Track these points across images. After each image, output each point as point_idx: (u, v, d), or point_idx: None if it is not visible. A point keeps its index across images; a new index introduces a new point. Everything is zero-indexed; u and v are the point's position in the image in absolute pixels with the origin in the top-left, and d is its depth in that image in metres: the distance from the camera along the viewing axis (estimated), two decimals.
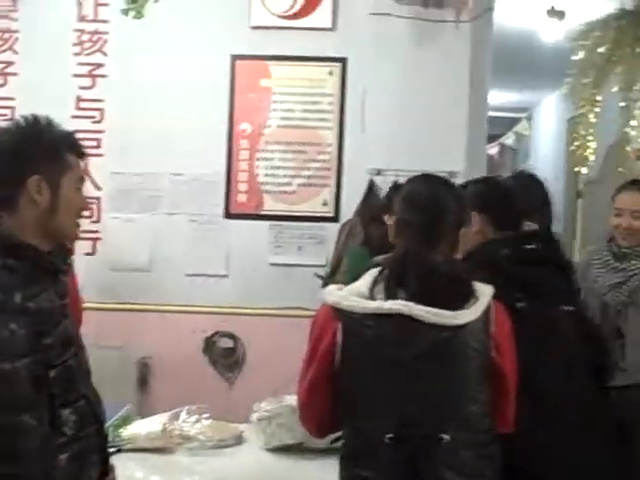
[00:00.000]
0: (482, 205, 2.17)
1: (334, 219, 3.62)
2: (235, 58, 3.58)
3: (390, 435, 1.73)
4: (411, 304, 1.72)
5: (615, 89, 3.81)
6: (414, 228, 1.83)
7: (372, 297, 1.77)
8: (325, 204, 3.66)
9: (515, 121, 10.45)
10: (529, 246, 2.19)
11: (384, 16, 3.46)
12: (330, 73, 3.58)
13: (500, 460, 1.82)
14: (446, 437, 1.72)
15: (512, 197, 2.27)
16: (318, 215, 3.65)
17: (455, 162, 3.53)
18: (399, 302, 1.73)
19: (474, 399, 1.77)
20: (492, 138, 11.10)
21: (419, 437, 1.73)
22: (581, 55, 3.85)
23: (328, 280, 3.25)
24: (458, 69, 3.51)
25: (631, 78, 3.77)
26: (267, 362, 3.49)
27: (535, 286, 2.11)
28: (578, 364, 2.14)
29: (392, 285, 1.77)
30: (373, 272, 1.82)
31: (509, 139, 10.57)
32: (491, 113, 10.36)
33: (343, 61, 3.57)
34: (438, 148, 3.55)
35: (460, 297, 1.77)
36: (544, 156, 9.20)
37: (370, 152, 3.58)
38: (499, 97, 9.56)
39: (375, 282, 1.79)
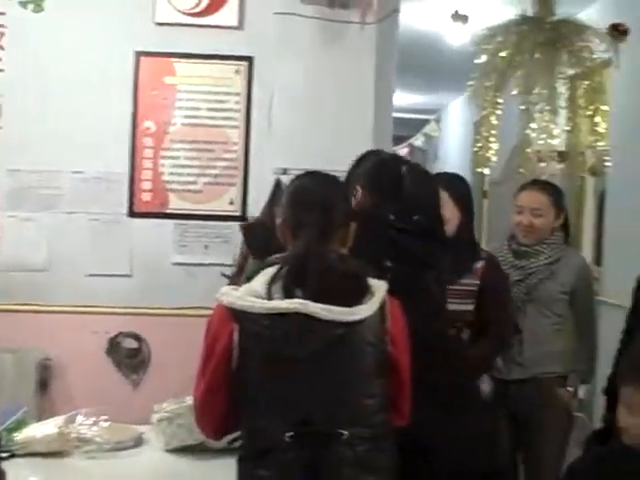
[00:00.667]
0: (372, 186, 2.17)
1: (241, 218, 3.60)
2: (139, 54, 3.51)
3: (290, 434, 1.73)
4: (308, 302, 1.73)
5: (515, 92, 3.93)
6: (308, 226, 1.84)
7: (269, 296, 1.77)
8: (232, 203, 3.63)
9: (424, 123, 10.67)
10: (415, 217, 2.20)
11: (290, 15, 3.46)
12: (236, 72, 3.56)
13: (396, 452, 1.85)
14: (345, 433, 1.73)
15: (402, 185, 2.23)
16: (224, 214, 3.62)
17: None
18: (295, 301, 1.74)
19: (370, 394, 1.80)
20: (402, 139, 11.31)
21: (318, 434, 1.74)
22: (484, 59, 3.96)
23: (234, 280, 3.23)
24: (364, 70, 3.54)
25: (531, 82, 3.89)
26: (172, 363, 3.44)
27: (408, 253, 2.11)
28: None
29: (290, 284, 1.78)
30: (268, 271, 1.82)
31: (418, 140, 10.79)
32: (401, 115, 10.61)
33: (250, 60, 3.55)
34: (344, 148, 3.54)
35: (356, 293, 1.79)
36: (452, 157, 9.41)
37: (277, 151, 3.57)
38: (408, 99, 9.74)
39: (272, 281, 1.79)
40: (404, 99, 9.67)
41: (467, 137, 7.73)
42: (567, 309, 3.10)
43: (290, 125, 3.55)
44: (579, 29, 3.86)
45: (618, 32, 3.87)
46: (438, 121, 10.54)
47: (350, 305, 1.76)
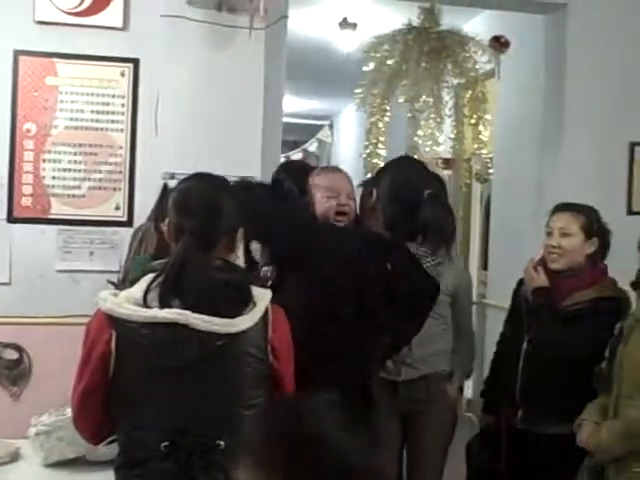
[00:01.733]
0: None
1: (127, 223, 3.52)
2: (18, 54, 3.38)
3: (165, 443, 1.70)
4: (187, 312, 1.70)
5: (402, 100, 4.01)
6: (189, 233, 1.81)
7: (145, 304, 1.73)
8: (117, 208, 3.55)
9: (319, 128, 10.74)
10: None
11: (177, 18, 3.41)
12: (122, 74, 3.48)
13: None
14: (221, 443, 1.71)
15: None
16: (110, 219, 3.53)
17: (250, 167, 3.55)
18: (175, 311, 1.71)
19: (250, 405, 1.78)
20: (297, 145, 11.36)
21: (195, 444, 1.71)
22: (371, 66, 4.02)
23: (121, 286, 3.15)
24: (252, 75, 3.52)
25: (417, 91, 3.99)
26: (55, 374, 3.30)
27: None
28: None
29: (166, 292, 1.75)
30: (147, 278, 1.78)
31: (312, 146, 10.85)
32: (296, 120, 10.63)
33: (135, 62, 3.48)
34: (233, 153, 3.54)
35: (237, 303, 1.77)
36: (344, 163, 9.50)
37: (164, 156, 3.50)
38: (303, 105, 9.80)
39: (148, 289, 1.76)
40: (299, 105, 9.72)
41: (359, 143, 7.84)
42: (449, 310, 3.19)
43: (177, 129, 3.49)
44: (463, 40, 3.98)
45: (499, 44, 4.01)
46: (331, 127, 10.64)
47: (231, 315, 1.74)
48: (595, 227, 2.86)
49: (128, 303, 1.74)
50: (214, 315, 1.72)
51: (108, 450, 2.21)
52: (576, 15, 4.03)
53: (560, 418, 2.74)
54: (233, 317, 1.74)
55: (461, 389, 3.20)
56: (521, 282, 3.06)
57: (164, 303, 1.73)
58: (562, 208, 2.94)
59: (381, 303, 2.10)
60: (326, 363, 2.12)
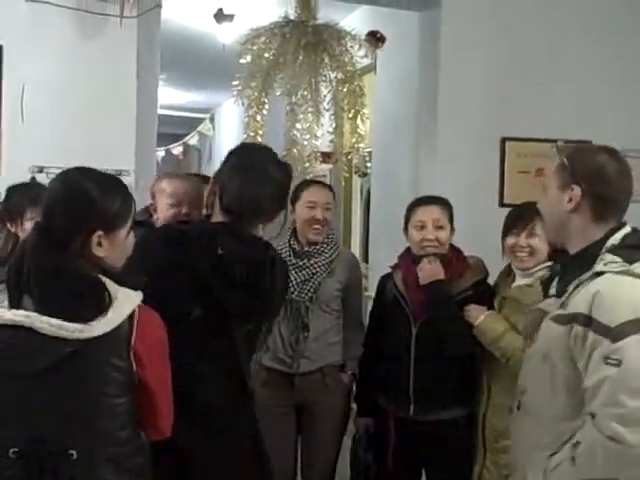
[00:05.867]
0: None
1: None
2: None
3: (14, 449, 1.61)
4: (34, 315, 1.61)
5: (280, 93, 3.98)
6: (38, 228, 1.71)
7: None
8: None
9: (199, 121, 10.60)
10: None
11: (44, 4, 3.27)
12: None
13: (149, 469, 1.78)
14: (74, 452, 1.63)
15: None
16: None
17: (124, 160, 3.45)
18: (21, 313, 1.61)
19: (109, 413, 1.69)
20: (178, 137, 11.18)
21: (45, 452, 1.63)
22: (249, 59, 3.97)
23: None
24: (124, 64, 3.43)
25: (294, 84, 3.97)
26: None
27: None
28: None
29: (13, 292, 1.65)
30: None
31: (193, 139, 10.70)
32: (176, 113, 10.43)
33: None
34: (105, 145, 3.43)
35: (93, 307, 1.66)
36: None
37: (31, 148, 3.36)
38: (184, 97, 9.64)
39: None
40: (178, 97, 9.55)
41: (239, 136, 7.78)
42: (341, 303, 3.21)
43: (45, 120, 3.35)
44: (339, 34, 4.00)
45: (375, 39, 4.05)
46: (212, 120, 10.52)
47: (86, 319, 1.63)
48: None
49: None
50: (66, 319, 1.62)
51: None
52: (449, 12, 4.12)
53: (454, 402, 2.85)
54: (86, 321, 1.63)
55: (355, 376, 3.24)
56: (386, 277, 3.10)
57: (13, 303, 1.63)
58: (429, 201, 2.99)
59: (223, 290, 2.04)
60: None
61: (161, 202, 2.83)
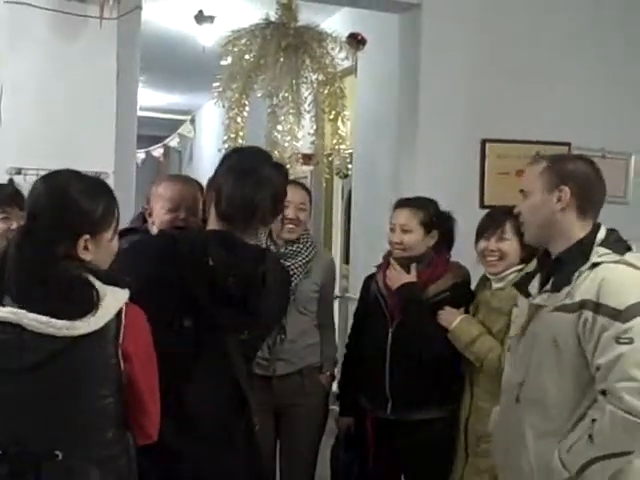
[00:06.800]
0: None
1: None
2: None
3: None
4: (22, 312, 1.60)
5: (260, 95, 3.98)
6: (22, 231, 1.71)
7: None
8: None
9: (180, 123, 10.56)
10: None
11: (23, 5, 3.24)
12: None
13: (134, 471, 1.77)
14: (59, 453, 1.62)
15: None
16: None
17: (103, 162, 3.42)
18: (7, 309, 1.61)
19: (96, 412, 1.69)
20: (158, 139, 11.13)
21: (29, 453, 1.61)
22: (229, 60, 3.97)
23: None
24: (104, 67, 3.40)
25: (275, 86, 3.97)
26: None
27: None
28: None
29: None
30: None
31: (174, 141, 10.65)
32: (156, 115, 10.39)
33: None
34: (85, 147, 3.41)
35: (80, 305, 1.66)
36: (206, 158, 9.40)
37: (9, 149, 3.33)
38: (164, 99, 9.60)
39: None
40: (158, 99, 9.51)
41: (220, 138, 7.77)
42: (316, 304, 3.21)
43: (23, 122, 3.32)
44: (320, 36, 4.01)
45: (356, 41, 4.06)
46: (193, 122, 10.48)
47: (73, 317, 1.63)
48: (434, 220, 2.96)
49: None
50: (54, 316, 1.61)
51: None
52: (429, 15, 4.13)
53: (431, 403, 2.87)
54: (75, 319, 1.63)
55: (333, 377, 3.25)
56: (370, 278, 3.11)
57: None
58: (402, 204, 3.01)
59: (213, 301, 2.02)
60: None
61: (157, 206, 2.74)
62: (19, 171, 3.29)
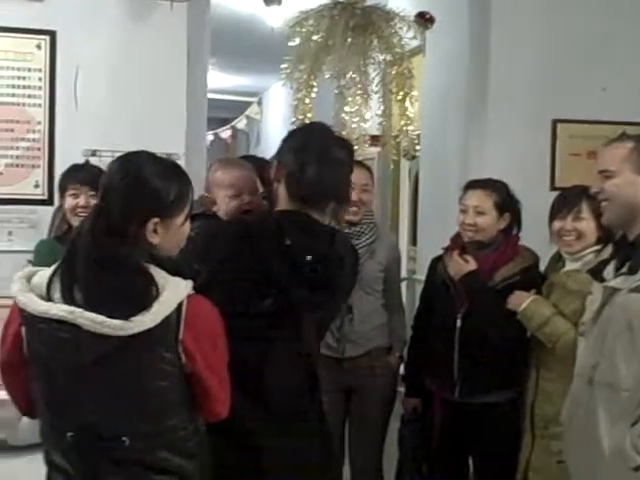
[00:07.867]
0: None
1: (48, 202, 3.42)
2: None
3: (70, 434, 1.65)
4: (78, 311, 1.58)
5: (328, 76, 3.98)
6: (95, 212, 1.70)
7: (49, 295, 1.63)
8: (37, 186, 3.45)
9: (247, 105, 10.62)
10: None
11: None
12: (38, 46, 3.37)
13: (204, 451, 1.80)
14: (126, 439, 1.65)
15: None
16: (29, 198, 3.44)
17: (174, 144, 3.48)
18: (65, 308, 1.59)
19: (159, 402, 1.69)
20: (225, 122, 11.23)
21: (97, 439, 1.65)
22: (297, 42, 3.97)
23: None
24: (175, 50, 3.46)
25: (343, 66, 3.95)
26: None
27: None
28: None
29: (66, 283, 1.63)
30: (55, 265, 1.69)
31: (241, 123, 10.72)
32: (224, 97, 10.49)
33: (52, 34, 3.37)
34: (156, 129, 3.48)
35: (138, 302, 1.61)
36: (273, 140, 9.43)
37: (84, 132, 3.42)
38: (231, 81, 9.67)
39: (53, 277, 1.65)
40: (226, 81, 9.59)
41: (287, 120, 7.78)
42: (382, 285, 3.21)
43: (98, 104, 3.41)
44: (388, 16, 3.96)
45: (424, 20, 4.00)
46: (260, 103, 10.54)
47: (130, 315, 1.59)
48: (507, 202, 2.92)
49: (27, 290, 1.63)
50: (110, 313, 1.57)
51: (30, 434, 2.15)
52: None
53: (498, 387, 2.85)
54: (129, 316, 1.58)
55: (401, 358, 3.25)
56: (437, 260, 3.09)
57: (65, 295, 1.61)
58: (474, 185, 2.97)
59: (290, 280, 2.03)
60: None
61: (220, 194, 2.71)
62: (94, 153, 3.38)
